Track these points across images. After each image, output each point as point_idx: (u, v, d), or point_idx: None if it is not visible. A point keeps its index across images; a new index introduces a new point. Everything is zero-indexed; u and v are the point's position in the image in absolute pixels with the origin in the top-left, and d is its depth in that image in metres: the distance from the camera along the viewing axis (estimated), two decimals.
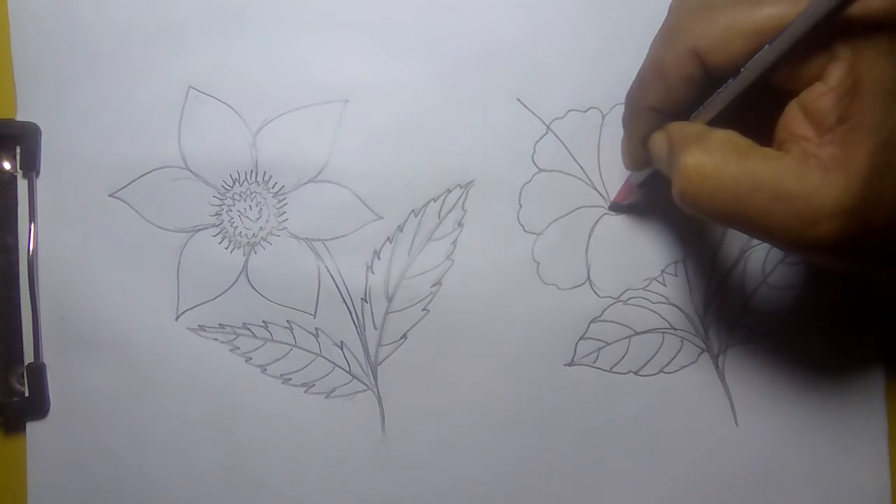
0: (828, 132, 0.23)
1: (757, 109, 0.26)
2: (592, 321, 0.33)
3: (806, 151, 0.23)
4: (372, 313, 0.32)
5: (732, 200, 0.24)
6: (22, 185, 0.32)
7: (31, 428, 0.32)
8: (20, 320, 0.31)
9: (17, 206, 0.32)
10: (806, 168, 0.23)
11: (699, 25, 0.25)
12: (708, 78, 0.25)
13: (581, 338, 0.33)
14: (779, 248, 0.25)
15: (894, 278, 0.25)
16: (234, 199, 0.32)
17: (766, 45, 0.24)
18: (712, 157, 0.24)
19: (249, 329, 0.32)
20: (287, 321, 0.32)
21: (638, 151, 0.29)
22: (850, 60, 0.23)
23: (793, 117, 0.24)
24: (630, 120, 0.29)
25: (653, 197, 0.32)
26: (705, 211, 0.25)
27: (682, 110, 0.27)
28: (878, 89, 0.23)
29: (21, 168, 0.31)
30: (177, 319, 0.32)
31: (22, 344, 0.31)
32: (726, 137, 0.25)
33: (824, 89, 0.23)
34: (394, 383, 0.32)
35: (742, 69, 0.25)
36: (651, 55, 0.27)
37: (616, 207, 0.33)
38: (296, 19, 0.32)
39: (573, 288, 0.33)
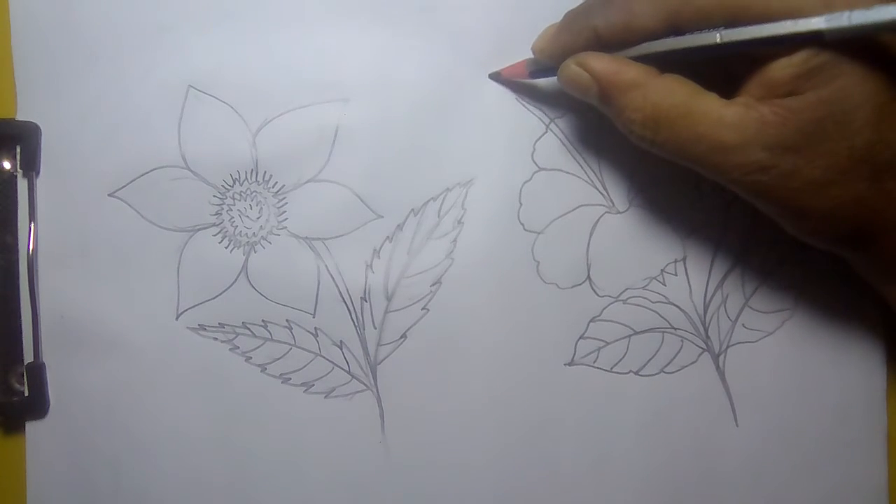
0: (778, 97, 0.25)
1: (714, 70, 0.27)
2: (592, 320, 0.33)
3: (750, 105, 0.26)
4: (371, 312, 0.32)
5: (681, 148, 0.27)
6: (22, 185, 0.32)
7: (31, 427, 0.32)
8: (20, 320, 0.31)
9: (17, 205, 0.32)
10: (746, 121, 0.26)
11: None
12: (670, 33, 0.27)
13: (581, 337, 0.33)
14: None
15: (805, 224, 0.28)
16: (234, 198, 0.32)
17: (728, 28, 0.25)
18: (662, 109, 0.27)
19: (249, 328, 0.32)
20: (286, 320, 0.32)
21: (555, 52, 0.29)
22: (818, 48, 0.25)
23: (753, 83, 0.26)
24: (570, 24, 0.29)
25: (536, 82, 0.32)
26: (658, 152, 0.28)
27: (620, 45, 0.28)
28: (840, 76, 0.25)
29: (21, 168, 0.31)
30: (177, 319, 0.32)
31: (21, 343, 0.31)
32: (673, 83, 0.27)
33: (786, 64, 0.25)
34: (393, 383, 0.32)
35: (696, 33, 0.26)
36: None
37: (496, 77, 0.32)
38: (296, 19, 0.32)
39: (573, 287, 0.33)
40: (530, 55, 0.31)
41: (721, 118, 0.26)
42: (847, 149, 0.25)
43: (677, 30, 0.26)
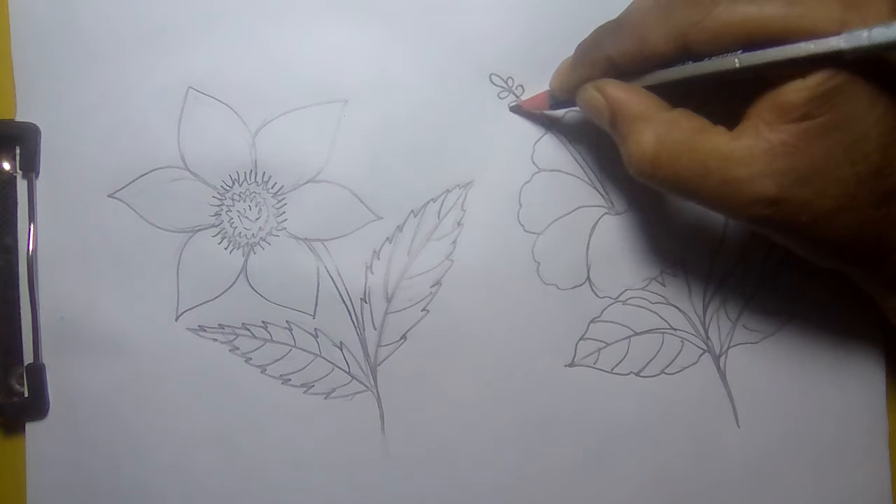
0: (790, 123, 0.24)
1: (726, 89, 0.26)
2: (592, 321, 0.32)
3: (759, 134, 0.25)
4: (371, 314, 0.32)
5: (685, 184, 0.26)
6: (21, 186, 0.32)
7: (31, 428, 0.32)
8: (19, 321, 0.31)
9: (16, 206, 0.32)
10: (755, 153, 0.25)
11: (695, 12, 0.25)
12: (684, 57, 0.26)
13: (581, 338, 0.33)
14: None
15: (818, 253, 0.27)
16: (233, 199, 0.32)
17: (749, 51, 0.24)
18: (666, 144, 0.26)
19: (249, 329, 0.32)
20: (286, 321, 0.32)
21: (573, 86, 0.29)
22: (834, 69, 0.24)
23: (764, 106, 0.25)
24: (584, 56, 0.29)
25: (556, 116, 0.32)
26: (658, 187, 0.27)
27: (637, 72, 0.27)
28: (851, 100, 0.24)
29: (21, 168, 0.31)
30: (176, 320, 0.32)
31: (21, 344, 0.31)
32: (679, 119, 0.26)
33: (801, 86, 0.24)
34: (393, 384, 0.32)
35: (713, 58, 0.25)
36: (639, 20, 0.26)
37: (516, 110, 0.32)
38: (295, 19, 0.32)
39: (573, 288, 0.32)
40: (530, 55, 0.31)
41: (730, 152, 0.25)
42: (855, 175, 0.25)
43: (690, 53, 0.26)
